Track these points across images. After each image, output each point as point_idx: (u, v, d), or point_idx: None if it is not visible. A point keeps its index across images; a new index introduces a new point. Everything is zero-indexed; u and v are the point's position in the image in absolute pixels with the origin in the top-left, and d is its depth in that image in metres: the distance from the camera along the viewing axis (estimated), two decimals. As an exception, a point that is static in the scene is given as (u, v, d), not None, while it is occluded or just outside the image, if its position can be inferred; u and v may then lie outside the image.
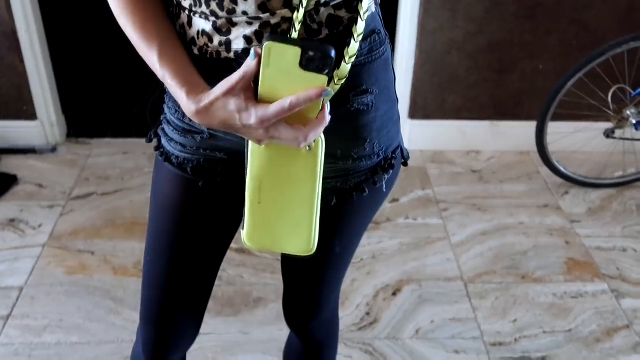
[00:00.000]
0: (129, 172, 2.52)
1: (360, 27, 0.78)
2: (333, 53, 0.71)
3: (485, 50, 2.54)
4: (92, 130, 2.75)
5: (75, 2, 2.52)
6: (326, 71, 0.72)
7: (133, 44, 0.83)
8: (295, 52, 0.71)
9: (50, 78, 2.60)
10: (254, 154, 0.83)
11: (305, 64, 0.72)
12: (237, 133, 0.79)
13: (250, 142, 0.82)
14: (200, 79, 0.80)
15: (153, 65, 0.81)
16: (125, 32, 0.83)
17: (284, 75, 0.73)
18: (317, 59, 0.71)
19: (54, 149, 2.66)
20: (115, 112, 2.77)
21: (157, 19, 0.82)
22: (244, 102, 0.75)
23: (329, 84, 0.75)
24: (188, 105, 0.78)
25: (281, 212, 0.86)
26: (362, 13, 0.78)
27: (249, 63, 0.74)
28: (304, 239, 0.88)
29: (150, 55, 0.81)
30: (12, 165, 2.53)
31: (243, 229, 0.90)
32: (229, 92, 0.75)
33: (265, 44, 0.71)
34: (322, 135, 0.81)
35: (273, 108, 0.73)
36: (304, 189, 0.84)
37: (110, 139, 2.73)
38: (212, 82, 0.80)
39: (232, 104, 0.75)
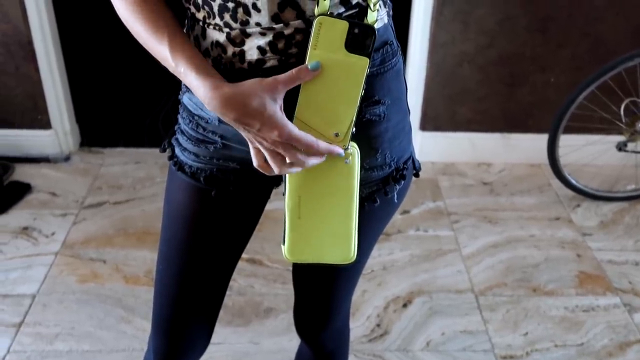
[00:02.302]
0: (141, 181, 2.54)
1: None
2: (376, 31, 0.76)
3: (497, 63, 2.54)
4: (105, 139, 2.77)
5: (90, 13, 2.55)
6: (369, 50, 0.76)
7: (143, 43, 0.83)
8: (343, 27, 0.76)
9: (64, 88, 2.62)
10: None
11: (350, 45, 0.76)
12: (244, 133, 0.79)
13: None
14: (214, 69, 0.80)
15: (165, 58, 0.81)
16: (133, 31, 0.83)
17: (329, 58, 0.76)
18: (361, 36, 0.76)
19: (67, 158, 2.68)
20: (128, 122, 2.80)
21: (162, 16, 0.82)
22: (274, 107, 0.76)
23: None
24: (206, 91, 0.77)
25: (321, 225, 0.89)
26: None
27: (307, 71, 0.76)
28: (344, 248, 0.90)
29: (161, 47, 0.80)
30: (25, 173, 2.55)
31: (284, 244, 0.91)
32: (268, 89, 0.76)
33: (317, 19, 0.76)
34: (357, 147, 0.84)
35: (299, 134, 0.77)
36: (342, 201, 0.87)
37: (123, 148, 2.75)
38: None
39: (268, 102, 0.76)
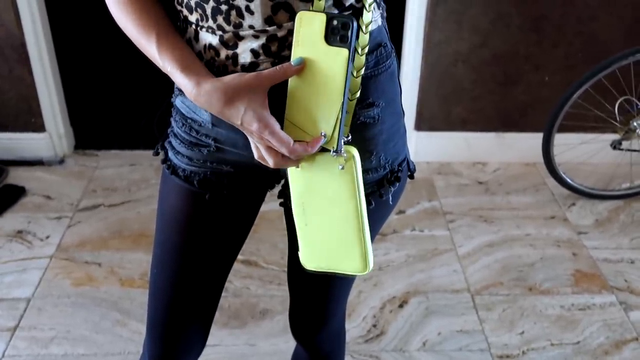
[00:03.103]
0: (135, 183, 2.53)
1: (363, 40, 0.79)
2: (355, 21, 0.75)
3: (491, 63, 2.54)
4: (100, 142, 2.77)
5: (83, 16, 2.54)
6: (348, 41, 0.75)
7: (134, 42, 0.84)
8: (321, 20, 0.75)
9: (58, 90, 2.61)
10: (293, 178, 0.85)
11: (330, 37, 0.75)
12: (232, 124, 0.80)
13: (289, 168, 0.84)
14: (201, 64, 0.81)
15: (153, 56, 0.82)
16: (125, 31, 0.84)
17: (311, 54, 0.76)
18: (340, 28, 0.75)
19: (61, 161, 2.67)
20: (122, 124, 2.79)
21: (153, 14, 0.83)
22: (255, 101, 0.76)
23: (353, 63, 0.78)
24: (190, 88, 0.79)
25: (329, 233, 0.87)
26: (363, 26, 0.79)
27: (290, 67, 0.76)
28: (357, 258, 0.88)
29: (149, 46, 0.81)
30: (20, 176, 2.54)
31: (299, 250, 0.91)
32: (248, 83, 0.76)
33: (297, 14, 0.75)
34: (357, 155, 0.82)
35: (281, 134, 0.77)
36: (345, 209, 0.85)
37: (118, 150, 2.75)
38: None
39: (248, 96, 0.76)
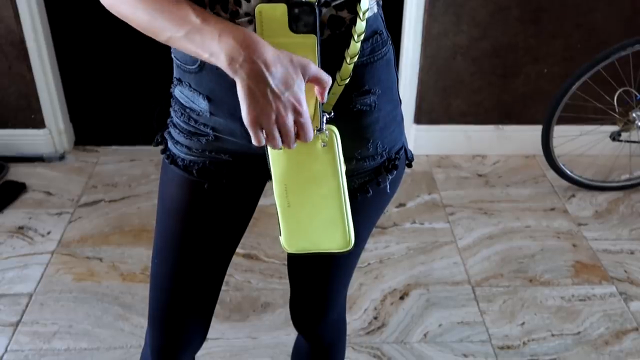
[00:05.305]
0: (136, 179, 2.54)
1: (359, 26, 0.79)
2: (317, 6, 0.74)
3: (490, 55, 2.54)
4: (100, 138, 2.77)
5: (82, 12, 2.54)
6: (313, 27, 0.75)
7: (150, 21, 0.75)
8: (282, 10, 0.74)
9: (58, 87, 2.62)
10: (274, 159, 0.84)
11: (295, 26, 0.75)
12: (256, 85, 0.72)
13: (269, 149, 0.83)
14: None
15: (184, 17, 0.73)
16: (139, 6, 0.75)
17: (278, 44, 0.74)
18: (302, 15, 0.74)
19: (61, 157, 2.67)
20: (122, 120, 2.79)
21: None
22: (300, 83, 0.73)
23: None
24: (246, 34, 0.71)
25: (312, 212, 0.87)
26: (360, 13, 0.79)
27: (324, 88, 0.75)
28: (340, 235, 0.89)
29: (178, 8, 0.73)
30: (20, 173, 2.55)
31: (280, 235, 0.90)
32: (301, 63, 0.73)
33: (256, 8, 0.74)
34: (337, 131, 0.82)
35: (305, 107, 0.75)
36: (328, 186, 0.85)
37: (118, 146, 2.75)
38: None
39: (299, 70, 0.73)
